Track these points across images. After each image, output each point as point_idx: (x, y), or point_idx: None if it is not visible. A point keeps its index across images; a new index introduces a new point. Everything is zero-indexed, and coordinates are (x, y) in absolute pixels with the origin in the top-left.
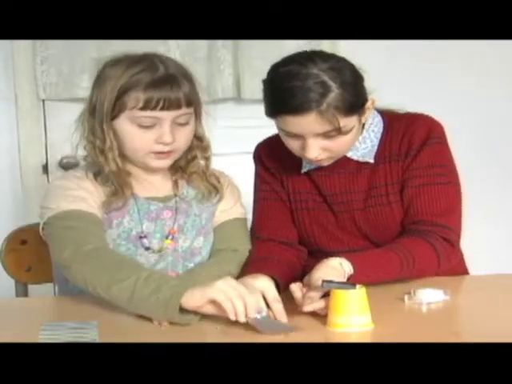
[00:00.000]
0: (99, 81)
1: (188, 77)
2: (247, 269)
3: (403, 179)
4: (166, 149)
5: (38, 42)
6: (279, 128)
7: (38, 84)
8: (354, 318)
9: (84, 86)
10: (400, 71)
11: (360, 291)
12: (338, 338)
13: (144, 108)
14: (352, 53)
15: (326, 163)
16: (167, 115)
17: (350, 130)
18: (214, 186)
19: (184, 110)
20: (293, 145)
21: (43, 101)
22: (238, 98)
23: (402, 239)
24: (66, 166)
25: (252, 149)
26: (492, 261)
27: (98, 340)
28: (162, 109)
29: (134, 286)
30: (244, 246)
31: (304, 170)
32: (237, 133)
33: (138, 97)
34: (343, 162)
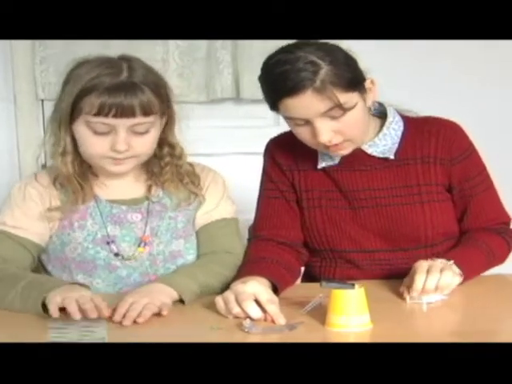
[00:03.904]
0: (64, 81)
1: (155, 86)
2: (243, 269)
3: (460, 187)
4: (120, 156)
5: (37, 42)
6: (286, 118)
7: (36, 84)
8: (352, 317)
9: None
10: (400, 71)
11: (359, 291)
12: (337, 337)
13: (97, 114)
14: (352, 53)
15: (344, 150)
16: (120, 123)
17: (353, 106)
18: (191, 192)
19: (140, 119)
20: (304, 134)
21: (42, 100)
22: (237, 98)
23: (484, 236)
24: None
25: (251, 149)
26: None
27: (106, 339)
28: (115, 116)
29: (13, 300)
30: (231, 246)
31: (321, 165)
32: (236, 133)
33: (92, 102)
34: (364, 159)
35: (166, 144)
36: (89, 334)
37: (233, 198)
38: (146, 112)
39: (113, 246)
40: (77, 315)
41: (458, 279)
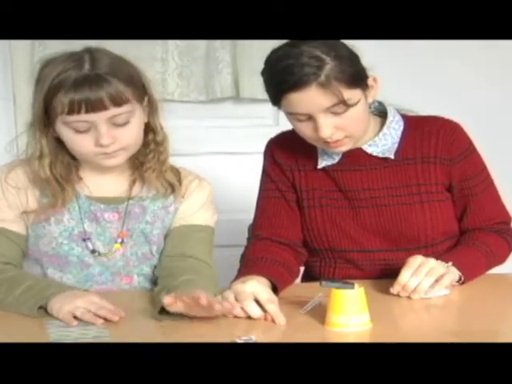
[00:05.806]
0: (35, 83)
1: (123, 74)
2: (242, 269)
3: (460, 186)
4: (109, 150)
5: (37, 42)
6: (288, 114)
7: None
8: (352, 317)
9: None
10: (400, 71)
11: (359, 291)
12: (337, 337)
13: (70, 113)
14: (356, 49)
15: (344, 146)
16: (96, 117)
17: (357, 102)
18: (169, 183)
19: (114, 111)
20: (305, 130)
21: None
22: (237, 98)
23: (484, 237)
24: None
25: (250, 148)
26: None
27: (107, 335)
28: (87, 111)
29: (11, 304)
30: (202, 254)
31: (321, 165)
32: (235, 132)
33: (62, 101)
34: (364, 159)
35: (149, 130)
36: (89, 333)
37: (230, 201)
38: (117, 102)
39: (89, 243)
40: (98, 321)
41: (444, 290)
